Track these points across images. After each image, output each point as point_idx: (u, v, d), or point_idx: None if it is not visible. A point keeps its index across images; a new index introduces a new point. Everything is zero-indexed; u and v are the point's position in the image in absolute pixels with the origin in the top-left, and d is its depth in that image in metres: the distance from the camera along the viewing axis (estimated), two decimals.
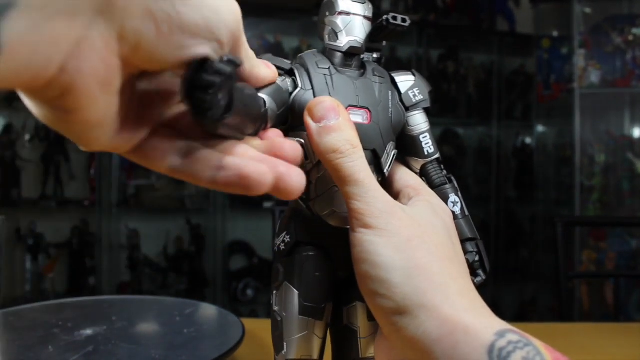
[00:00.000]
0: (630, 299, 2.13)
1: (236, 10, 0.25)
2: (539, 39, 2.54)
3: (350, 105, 0.34)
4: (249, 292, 2.35)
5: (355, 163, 0.30)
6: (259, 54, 0.33)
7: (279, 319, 0.35)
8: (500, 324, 0.28)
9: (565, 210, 2.37)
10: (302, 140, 0.33)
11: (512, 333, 0.27)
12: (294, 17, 2.37)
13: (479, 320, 0.28)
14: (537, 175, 2.69)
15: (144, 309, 0.74)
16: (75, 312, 0.68)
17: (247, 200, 2.36)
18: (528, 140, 2.77)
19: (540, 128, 2.72)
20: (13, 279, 2.19)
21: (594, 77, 2.16)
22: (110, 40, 0.20)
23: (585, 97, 2.18)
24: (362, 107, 0.34)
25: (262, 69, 0.31)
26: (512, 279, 2.68)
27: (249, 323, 0.65)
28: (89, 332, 0.60)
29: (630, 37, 2.16)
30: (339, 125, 0.31)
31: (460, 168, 2.65)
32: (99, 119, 0.22)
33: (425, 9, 2.56)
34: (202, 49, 0.23)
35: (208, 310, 0.73)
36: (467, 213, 0.38)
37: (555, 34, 2.55)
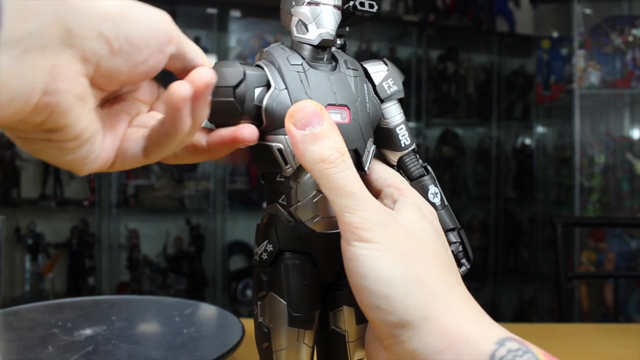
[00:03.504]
0: (629, 300, 2.13)
1: (166, 18, 0.28)
2: (538, 40, 2.54)
3: (328, 104, 0.32)
4: (249, 292, 2.34)
5: (346, 173, 0.29)
6: None
7: (266, 330, 0.33)
8: (500, 332, 0.28)
9: (565, 210, 2.37)
10: (281, 145, 0.32)
11: (512, 341, 0.27)
12: None
13: (479, 329, 0.28)
14: (537, 176, 2.69)
15: (143, 309, 0.74)
16: (75, 312, 0.68)
17: (246, 201, 2.36)
18: (528, 140, 2.77)
19: (539, 129, 2.72)
20: (13, 279, 2.19)
21: (594, 77, 2.16)
22: (75, 63, 0.24)
23: (584, 97, 2.18)
24: (340, 105, 0.32)
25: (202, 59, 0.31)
26: (512, 279, 2.68)
27: (249, 323, 0.65)
28: (88, 332, 0.60)
29: (630, 38, 2.16)
30: (325, 132, 0.29)
31: (460, 168, 2.65)
32: (85, 133, 0.26)
33: (425, 10, 2.56)
34: (153, 61, 0.27)
35: (208, 311, 0.73)
36: (446, 203, 0.37)
37: (555, 34, 2.55)
